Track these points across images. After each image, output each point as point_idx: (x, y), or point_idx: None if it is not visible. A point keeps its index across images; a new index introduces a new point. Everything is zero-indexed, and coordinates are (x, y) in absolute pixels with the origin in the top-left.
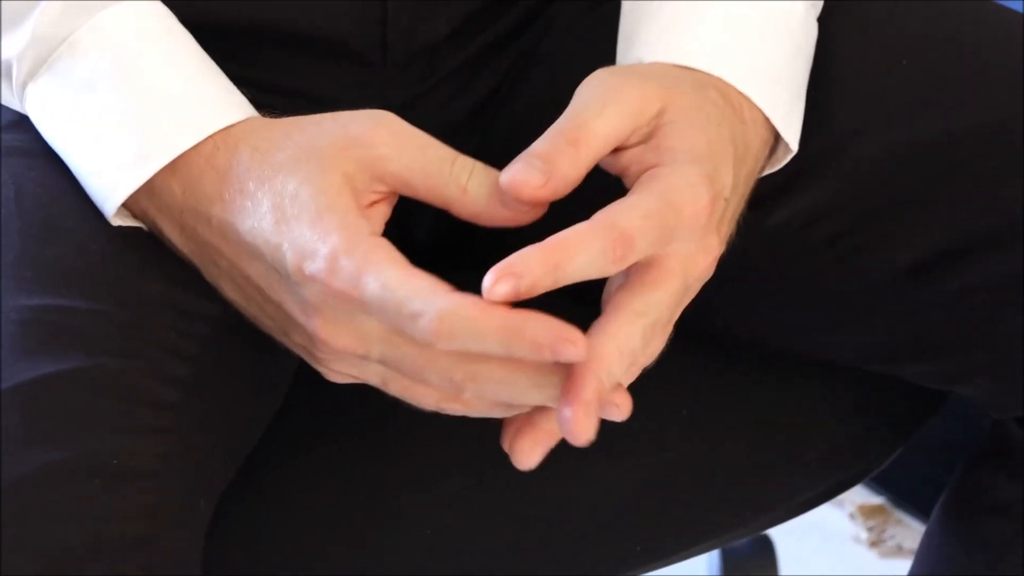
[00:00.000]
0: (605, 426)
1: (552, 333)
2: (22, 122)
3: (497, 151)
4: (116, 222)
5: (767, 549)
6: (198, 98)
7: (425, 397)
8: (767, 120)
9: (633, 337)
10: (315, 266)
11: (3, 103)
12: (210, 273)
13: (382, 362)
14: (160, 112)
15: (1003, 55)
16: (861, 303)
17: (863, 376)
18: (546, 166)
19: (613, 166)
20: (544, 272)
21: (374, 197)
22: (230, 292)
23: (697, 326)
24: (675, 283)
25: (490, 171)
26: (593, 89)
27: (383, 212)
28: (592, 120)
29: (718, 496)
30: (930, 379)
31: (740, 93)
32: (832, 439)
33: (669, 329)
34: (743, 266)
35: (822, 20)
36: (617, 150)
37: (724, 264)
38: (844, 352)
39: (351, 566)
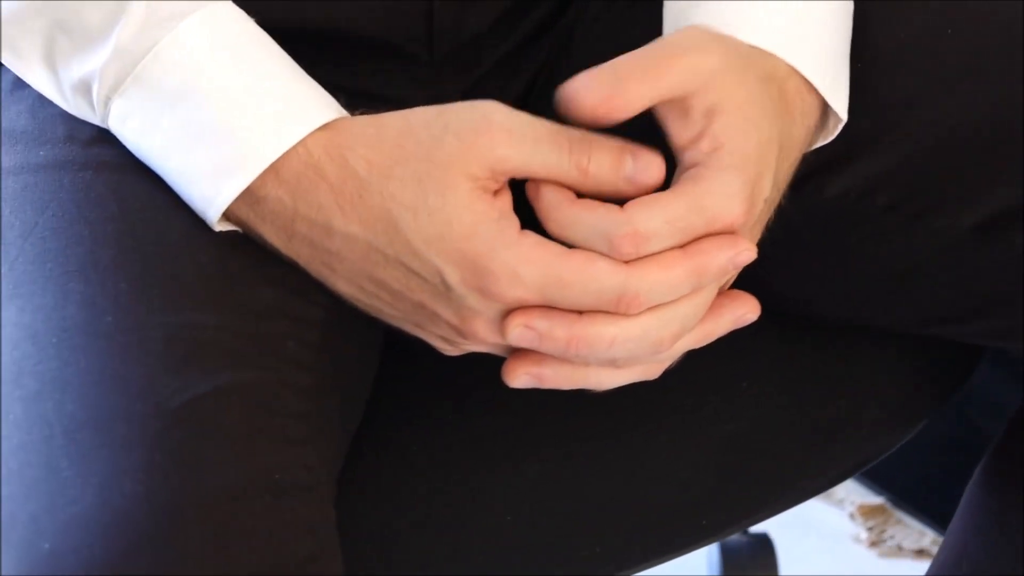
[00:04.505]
0: (658, 402)
1: (726, 252)
2: (105, 136)
3: None
4: (219, 228)
5: (767, 548)
6: (288, 102)
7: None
8: (817, 98)
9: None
10: (487, 282)
11: (80, 117)
12: (321, 273)
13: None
14: (254, 118)
15: None
16: (926, 266)
17: (894, 341)
18: (615, 83)
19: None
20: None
21: (498, 185)
22: (346, 289)
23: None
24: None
25: (608, 146)
26: (683, 37)
27: (508, 193)
28: (672, 60)
29: (775, 465)
30: (989, 336)
31: (797, 82)
32: (884, 401)
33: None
34: (801, 240)
35: None
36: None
37: (781, 240)
38: (905, 317)
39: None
